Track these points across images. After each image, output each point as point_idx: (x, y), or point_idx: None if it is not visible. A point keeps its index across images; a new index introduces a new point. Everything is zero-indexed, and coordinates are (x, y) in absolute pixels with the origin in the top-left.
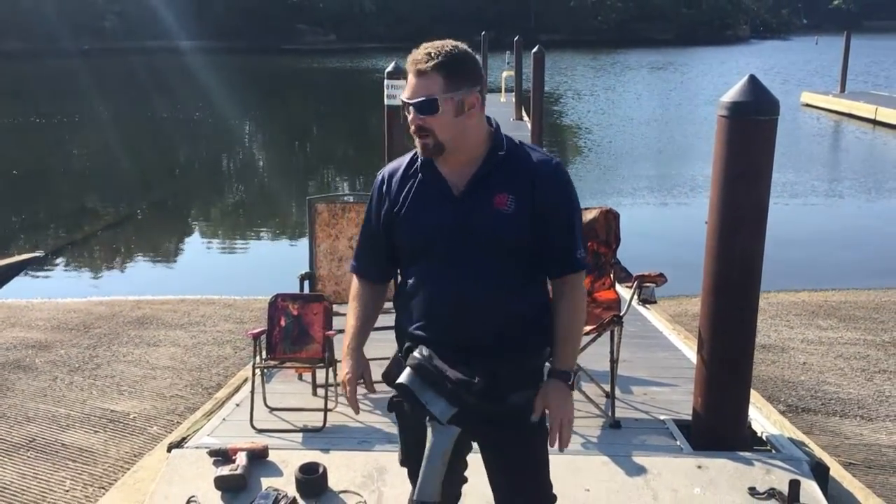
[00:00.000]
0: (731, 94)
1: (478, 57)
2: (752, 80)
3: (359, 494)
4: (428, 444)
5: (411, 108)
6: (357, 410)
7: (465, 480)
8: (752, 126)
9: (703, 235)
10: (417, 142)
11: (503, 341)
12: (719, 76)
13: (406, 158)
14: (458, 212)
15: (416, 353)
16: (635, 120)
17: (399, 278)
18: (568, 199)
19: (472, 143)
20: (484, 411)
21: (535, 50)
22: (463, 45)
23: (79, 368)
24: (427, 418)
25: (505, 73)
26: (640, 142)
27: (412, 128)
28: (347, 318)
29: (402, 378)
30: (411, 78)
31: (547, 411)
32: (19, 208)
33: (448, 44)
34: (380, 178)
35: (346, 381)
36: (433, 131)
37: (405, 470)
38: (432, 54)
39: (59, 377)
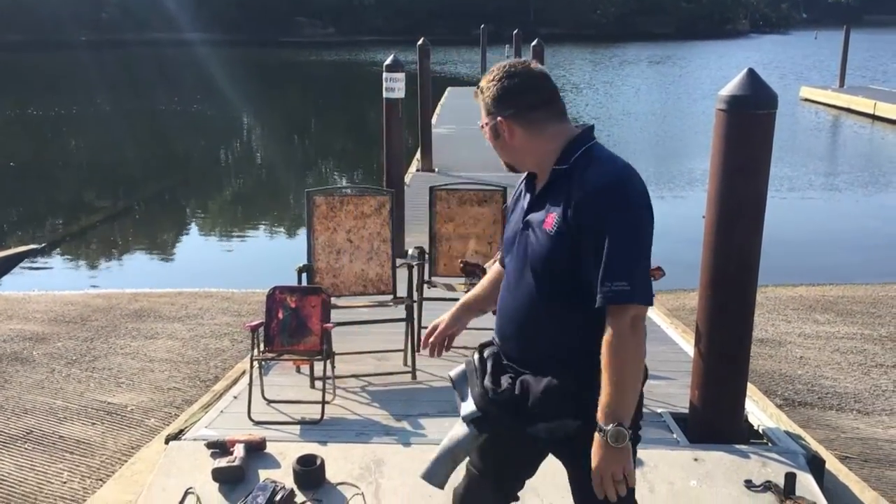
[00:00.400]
0: (730, 87)
1: (534, 75)
2: (751, 73)
3: (356, 486)
4: (449, 434)
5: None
6: (434, 353)
7: (515, 499)
8: (750, 120)
9: (701, 230)
10: None
11: (543, 362)
12: (717, 70)
13: None
14: (524, 227)
15: (476, 354)
16: (633, 114)
17: None
18: (602, 223)
19: (533, 162)
20: (511, 426)
21: (534, 43)
22: (513, 67)
23: (76, 361)
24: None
25: None
26: (639, 135)
27: None
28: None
29: (452, 371)
30: None
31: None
32: (17, 200)
33: (497, 68)
34: (520, 181)
35: (436, 324)
36: (499, 152)
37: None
38: (481, 81)
39: (57, 369)
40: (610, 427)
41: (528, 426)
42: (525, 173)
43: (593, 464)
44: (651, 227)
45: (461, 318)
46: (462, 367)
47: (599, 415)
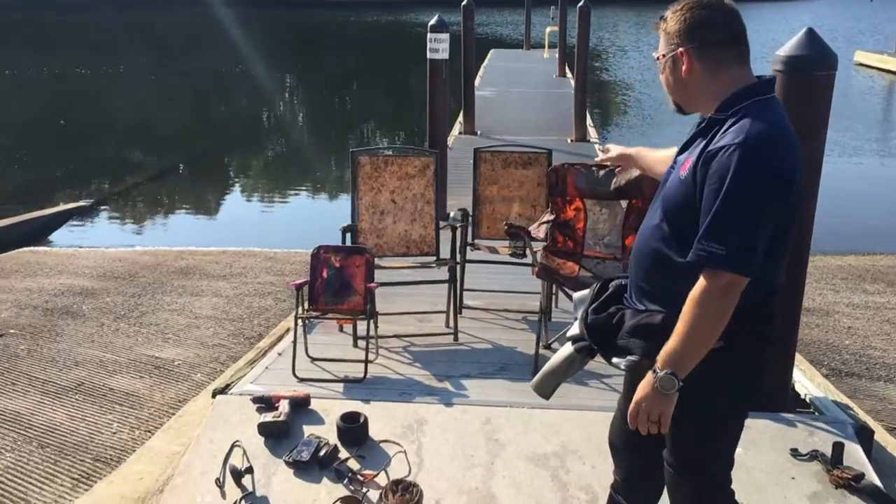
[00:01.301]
0: (788, 48)
1: (721, 9)
2: (810, 33)
3: (399, 444)
4: (559, 351)
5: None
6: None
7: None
8: (808, 81)
9: None
10: None
11: (648, 299)
12: (767, 33)
13: None
14: (671, 168)
15: (600, 285)
16: None
17: None
18: (719, 180)
19: (703, 103)
20: (601, 352)
21: (580, 4)
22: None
23: (124, 316)
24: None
25: (549, 29)
26: None
27: None
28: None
29: (576, 294)
30: None
31: None
32: (66, 158)
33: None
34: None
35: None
36: (666, 90)
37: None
38: (664, 12)
39: (106, 324)
40: (663, 373)
41: (610, 356)
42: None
43: (636, 395)
44: (779, 200)
45: (639, 154)
46: (587, 291)
47: (659, 356)
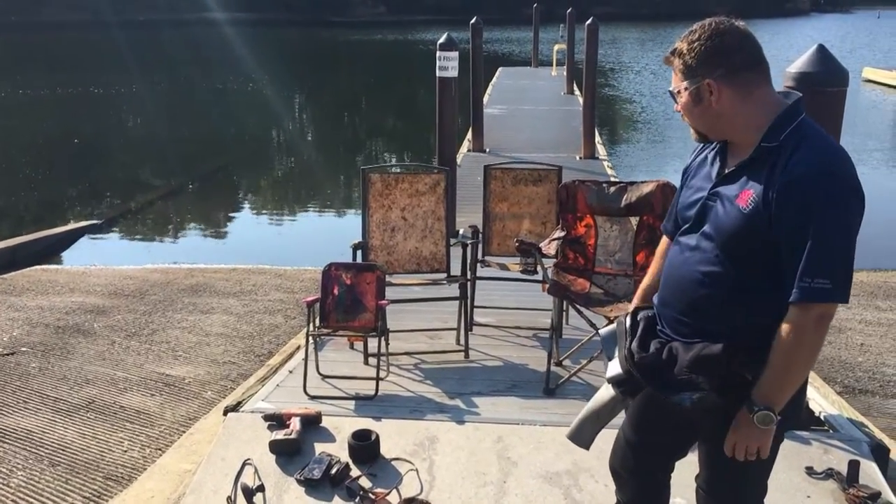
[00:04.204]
0: (799, 64)
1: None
2: (821, 49)
3: (410, 462)
4: (596, 395)
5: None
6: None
7: (682, 455)
8: (820, 97)
9: None
10: None
11: (696, 331)
12: (774, 50)
13: None
14: (710, 197)
15: (629, 315)
16: None
17: None
18: (807, 215)
19: (737, 129)
20: (653, 393)
21: (588, 22)
22: (721, 25)
23: (135, 333)
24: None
25: (557, 47)
26: None
27: None
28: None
29: (602, 330)
30: None
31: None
32: (78, 177)
33: (701, 27)
34: (698, 146)
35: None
36: (689, 121)
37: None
38: (676, 44)
39: (117, 342)
40: (761, 409)
41: (671, 393)
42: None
43: (733, 432)
44: (860, 216)
45: (638, 300)
46: (612, 326)
47: (756, 392)
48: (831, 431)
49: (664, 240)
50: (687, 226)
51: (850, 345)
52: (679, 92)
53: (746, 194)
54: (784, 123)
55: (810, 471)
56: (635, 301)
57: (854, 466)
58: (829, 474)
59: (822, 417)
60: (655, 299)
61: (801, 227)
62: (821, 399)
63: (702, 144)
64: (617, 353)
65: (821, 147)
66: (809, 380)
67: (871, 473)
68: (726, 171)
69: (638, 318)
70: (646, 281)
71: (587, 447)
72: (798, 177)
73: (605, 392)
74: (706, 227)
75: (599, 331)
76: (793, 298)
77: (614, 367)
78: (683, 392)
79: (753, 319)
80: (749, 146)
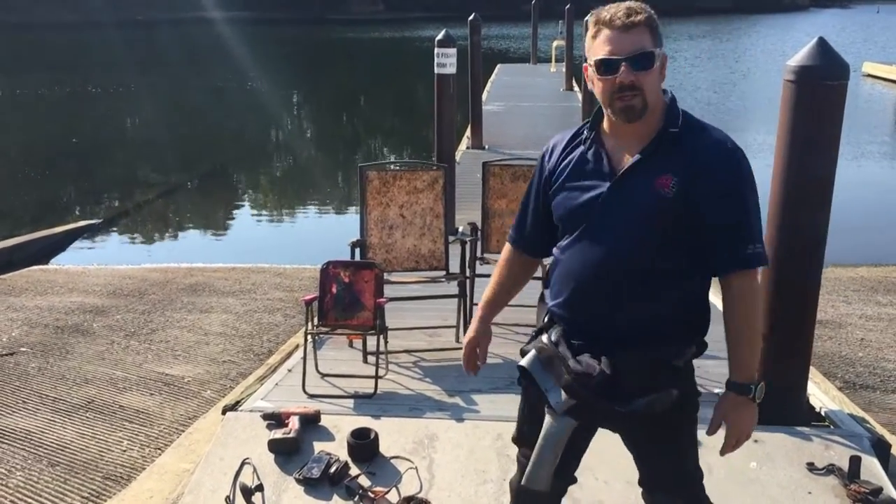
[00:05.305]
0: (799, 57)
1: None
2: (821, 42)
3: (410, 460)
4: (543, 432)
5: (624, 63)
6: (471, 370)
7: (573, 481)
8: (820, 91)
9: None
10: (620, 104)
11: (634, 331)
12: (771, 45)
13: (572, 130)
14: (614, 189)
15: (544, 337)
16: (687, 89)
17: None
18: (738, 190)
19: (655, 111)
20: (604, 409)
21: (587, 17)
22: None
23: (134, 333)
24: (545, 405)
25: (555, 43)
26: (695, 113)
27: (614, 88)
28: (489, 283)
29: (525, 361)
30: (614, 34)
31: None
32: (77, 176)
33: (637, 4)
34: (545, 149)
35: (466, 342)
36: (643, 89)
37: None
38: (635, 9)
39: (116, 341)
40: (754, 385)
41: (624, 405)
42: (552, 140)
43: (731, 429)
44: None
45: (482, 328)
46: (532, 354)
47: (741, 374)
48: (832, 427)
49: (508, 249)
50: (583, 227)
51: (851, 340)
52: (654, 53)
53: (665, 180)
54: (676, 109)
55: (811, 467)
56: (484, 312)
57: (855, 462)
58: (831, 470)
59: (822, 413)
60: (558, 310)
61: (733, 202)
62: (821, 395)
63: (551, 147)
64: (556, 382)
65: (719, 131)
66: (810, 375)
67: (872, 469)
68: (632, 162)
69: (553, 339)
70: (491, 292)
71: (548, 488)
72: (721, 158)
73: (558, 425)
74: (617, 222)
75: (523, 364)
76: (736, 267)
77: (558, 395)
78: (635, 399)
79: (678, 305)
80: (648, 132)
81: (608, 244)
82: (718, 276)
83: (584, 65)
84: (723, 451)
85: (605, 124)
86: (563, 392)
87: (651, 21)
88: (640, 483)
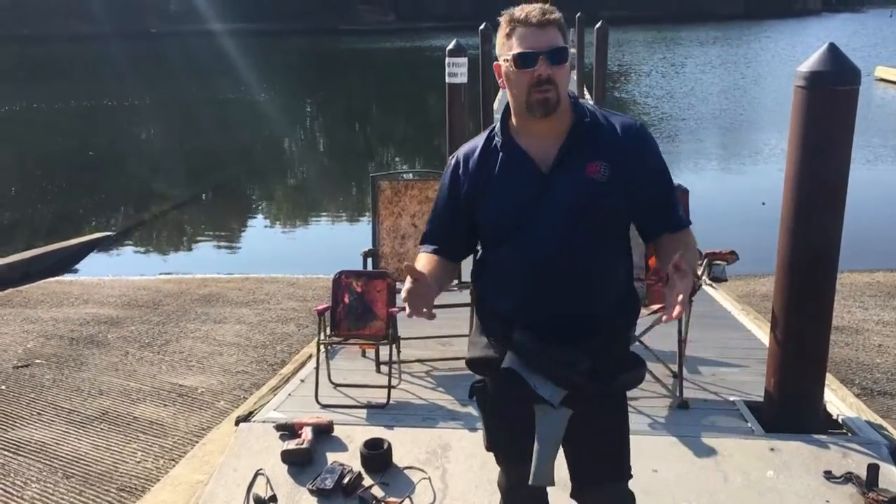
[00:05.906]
0: (810, 63)
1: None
2: (832, 48)
3: (423, 470)
4: (539, 429)
5: (541, 57)
6: (424, 315)
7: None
8: (831, 96)
9: (768, 213)
10: (538, 97)
11: (601, 315)
12: (782, 50)
13: (482, 138)
14: (547, 186)
15: (516, 336)
16: (698, 96)
17: (480, 260)
18: (661, 161)
19: (566, 105)
20: (592, 391)
21: (598, 25)
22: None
23: (149, 344)
24: (536, 402)
25: None
26: (706, 119)
27: (532, 81)
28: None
29: (507, 362)
30: (529, 31)
31: (674, 272)
32: (92, 189)
33: (538, 5)
34: (453, 160)
35: (405, 291)
36: (558, 84)
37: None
38: (548, 9)
39: (130, 352)
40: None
41: (611, 385)
42: (461, 151)
43: (682, 291)
44: None
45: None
46: (511, 355)
47: (688, 262)
48: (849, 435)
49: (426, 256)
50: (520, 228)
51: (868, 346)
52: (566, 49)
53: (595, 166)
54: (579, 103)
55: (829, 475)
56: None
57: (873, 470)
58: (848, 478)
59: (839, 420)
60: (511, 312)
61: (661, 175)
62: (838, 402)
63: (462, 158)
64: (544, 376)
65: (623, 114)
66: (826, 382)
67: (890, 477)
68: (558, 156)
69: (530, 337)
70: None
71: (553, 482)
72: (638, 137)
73: (555, 418)
74: (555, 217)
75: (508, 365)
76: (680, 226)
77: (551, 389)
78: (619, 377)
79: (625, 285)
80: (562, 127)
81: (553, 241)
82: (656, 241)
83: (495, 63)
84: (669, 308)
85: (517, 126)
86: (553, 384)
87: (562, 22)
88: (579, 478)
